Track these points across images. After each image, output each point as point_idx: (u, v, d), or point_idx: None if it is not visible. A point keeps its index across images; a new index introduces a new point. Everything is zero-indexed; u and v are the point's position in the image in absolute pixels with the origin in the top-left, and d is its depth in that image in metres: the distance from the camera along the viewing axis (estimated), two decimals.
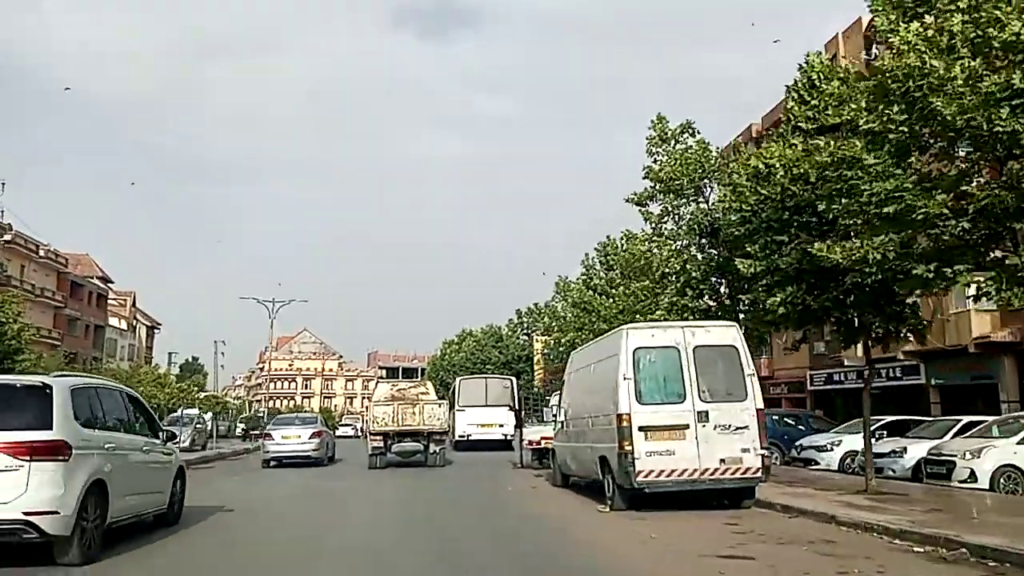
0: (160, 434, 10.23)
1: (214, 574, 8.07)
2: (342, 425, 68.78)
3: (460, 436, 31.80)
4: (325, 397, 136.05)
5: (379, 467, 20.95)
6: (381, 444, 20.91)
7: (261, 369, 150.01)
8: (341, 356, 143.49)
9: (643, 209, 22.39)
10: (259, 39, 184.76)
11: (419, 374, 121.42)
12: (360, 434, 50.94)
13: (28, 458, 7.09)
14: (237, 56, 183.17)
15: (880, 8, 11.28)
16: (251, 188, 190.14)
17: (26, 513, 7.00)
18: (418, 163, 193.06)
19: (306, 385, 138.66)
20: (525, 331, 52.13)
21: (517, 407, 33.07)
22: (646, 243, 23.34)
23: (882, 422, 19.18)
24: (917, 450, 16.50)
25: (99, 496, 7.79)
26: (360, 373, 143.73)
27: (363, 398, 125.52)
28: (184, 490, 10.83)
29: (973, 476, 14.33)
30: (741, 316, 18.34)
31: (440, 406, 22.17)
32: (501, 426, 32.07)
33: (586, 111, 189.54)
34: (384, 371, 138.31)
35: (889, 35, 10.42)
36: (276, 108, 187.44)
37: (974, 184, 10.42)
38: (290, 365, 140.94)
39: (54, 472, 7.20)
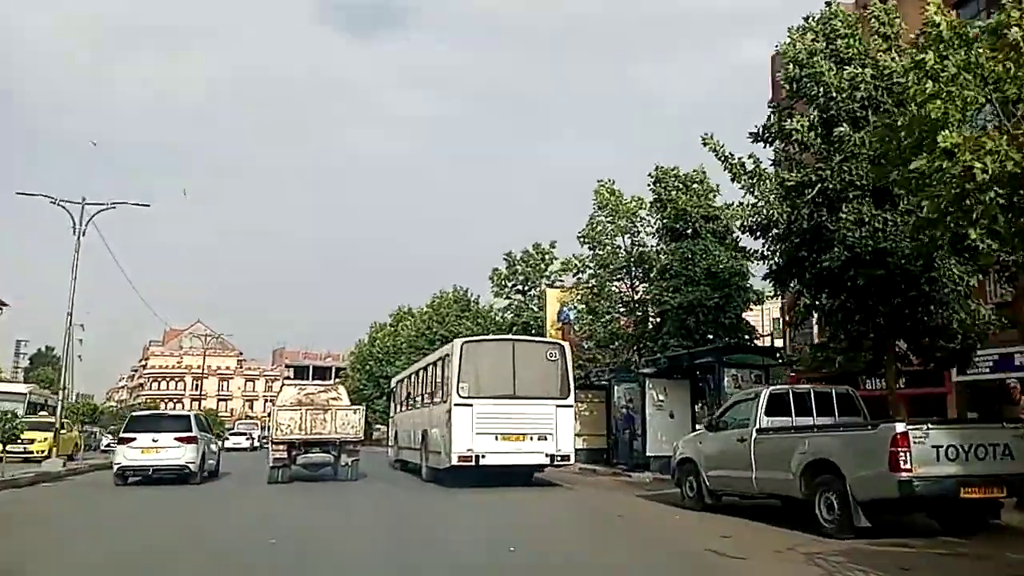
0: (212, 433, 22.53)
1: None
2: (233, 434, 50.50)
3: (462, 455, 16.37)
4: (220, 399, 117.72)
5: (282, 481, 18.47)
6: (285, 455, 18.49)
7: (144, 366, 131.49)
8: (241, 353, 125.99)
9: None
10: (175, 29, 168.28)
11: (332, 373, 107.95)
12: (259, 444, 44.32)
13: (185, 443, 18.14)
14: (151, 46, 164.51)
15: None
16: (163, 181, 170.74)
17: (186, 462, 18.11)
18: (341, 160, 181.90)
19: (197, 385, 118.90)
20: (521, 286, 34.70)
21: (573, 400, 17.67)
22: None
23: None
24: None
25: (203, 458, 18.98)
26: (263, 372, 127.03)
27: (266, 401, 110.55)
28: (220, 461, 22.01)
29: None
30: None
31: (356, 412, 19.17)
32: (544, 438, 16.70)
33: (515, 114, 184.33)
34: (292, 370, 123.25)
35: None
36: (192, 99, 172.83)
37: None
38: (179, 362, 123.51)
39: (192, 448, 18.23)
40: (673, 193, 22.28)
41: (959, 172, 7.75)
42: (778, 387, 11.39)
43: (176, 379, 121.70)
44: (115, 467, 18.30)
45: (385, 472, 23.67)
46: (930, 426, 8.61)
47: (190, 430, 18.59)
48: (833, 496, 9.24)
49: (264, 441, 45.06)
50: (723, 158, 13.90)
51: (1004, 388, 11.71)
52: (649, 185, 23.22)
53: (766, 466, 10.72)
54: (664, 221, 22.67)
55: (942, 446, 8.52)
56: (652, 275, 23.28)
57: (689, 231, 22.29)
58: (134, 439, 18.27)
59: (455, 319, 40.11)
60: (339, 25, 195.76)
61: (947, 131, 7.86)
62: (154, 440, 18.09)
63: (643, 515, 12.31)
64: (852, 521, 8.92)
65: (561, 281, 32.97)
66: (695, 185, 22.64)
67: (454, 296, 43.13)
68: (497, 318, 35.72)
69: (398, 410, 26.14)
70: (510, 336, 24.02)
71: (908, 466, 8.36)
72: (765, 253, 14.10)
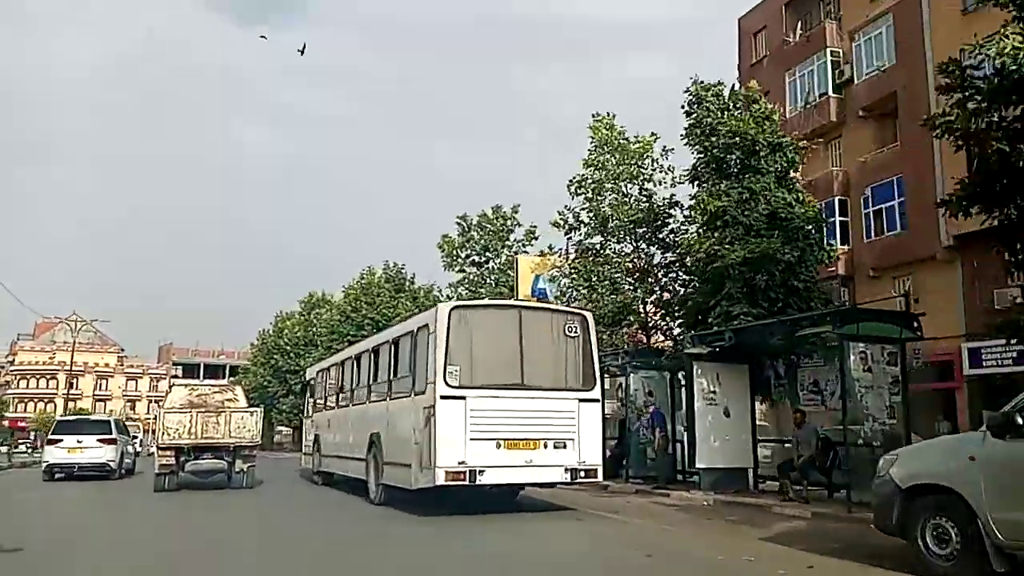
0: (129, 436, 25.35)
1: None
2: None
3: (452, 470, 11.37)
4: (98, 399, 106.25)
5: (168, 488, 17.08)
6: (173, 460, 17.31)
7: (11, 363, 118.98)
8: (122, 349, 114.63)
9: None
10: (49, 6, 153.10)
11: (226, 372, 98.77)
12: (141, 449, 40.53)
13: (105, 444, 21.05)
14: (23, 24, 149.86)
15: None
16: (37, 171, 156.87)
17: (107, 461, 20.99)
18: (226, 153, 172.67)
19: (72, 384, 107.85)
20: (477, 256, 28.08)
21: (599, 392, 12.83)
22: None
23: None
24: None
25: (123, 456, 21.94)
26: (147, 370, 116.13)
27: (151, 402, 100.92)
28: (135, 460, 25.22)
29: None
30: None
31: (252, 415, 18.04)
32: (563, 446, 12.00)
33: (407, 114, 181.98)
34: (180, 368, 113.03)
35: None
36: (68, 85, 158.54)
37: None
38: (51, 358, 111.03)
39: (113, 448, 21.18)
40: (723, 115, 16.68)
41: None
42: None
43: (48, 377, 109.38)
44: (44, 465, 21.80)
45: (302, 487, 18.31)
46: None
47: (111, 432, 21.89)
48: None
49: (138, 445, 42.32)
50: None
51: None
52: (683, 106, 17.53)
53: None
54: (709, 154, 16.94)
55: None
56: (696, 225, 17.59)
57: (736, 169, 16.76)
58: (61, 440, 21.38)
59: (389, 299, 33.44)
60: (233, 13, 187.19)
61: None
62: (79, 441, 21.18)
63: None
64: None
65: (525, 251, 27.32)
66: (749, 108, 17.14)
67: (385, 274, 36.33)
68: (444, 296, 29.42)
69: (322, 407, 20.14)
70: (514, 302, 17.87)
71: None
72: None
